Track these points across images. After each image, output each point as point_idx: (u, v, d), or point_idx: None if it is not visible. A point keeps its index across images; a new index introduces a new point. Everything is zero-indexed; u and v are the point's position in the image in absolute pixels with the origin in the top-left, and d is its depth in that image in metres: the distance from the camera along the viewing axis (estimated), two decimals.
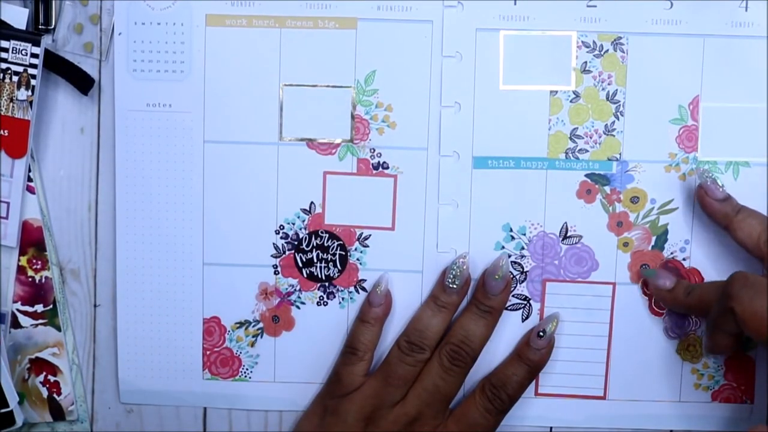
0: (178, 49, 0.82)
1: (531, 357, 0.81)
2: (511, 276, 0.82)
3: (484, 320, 0.81)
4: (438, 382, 0.80)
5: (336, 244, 0.84)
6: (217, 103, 0.82)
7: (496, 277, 0.80)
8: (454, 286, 0.81)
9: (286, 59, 0.82)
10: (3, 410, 0.82)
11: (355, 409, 0.81)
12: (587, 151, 0.82)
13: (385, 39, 0.81)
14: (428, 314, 0.82)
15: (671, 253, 0.83)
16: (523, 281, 0.84)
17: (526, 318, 0.84)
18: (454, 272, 0.81)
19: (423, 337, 0.81)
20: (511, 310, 0.83)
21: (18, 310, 0.85)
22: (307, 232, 0.83)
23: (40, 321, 0.85)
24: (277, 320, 0.85)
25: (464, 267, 0.81)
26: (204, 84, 0.82)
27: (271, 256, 0.84)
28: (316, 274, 0.84)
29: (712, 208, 0.79)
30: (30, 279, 0.84)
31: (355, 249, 0.84)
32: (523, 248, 0.83)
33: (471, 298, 0.82)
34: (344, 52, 0.82)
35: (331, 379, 0.84)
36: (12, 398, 0.83)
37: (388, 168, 0.83)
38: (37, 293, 0.85)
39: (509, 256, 0.83)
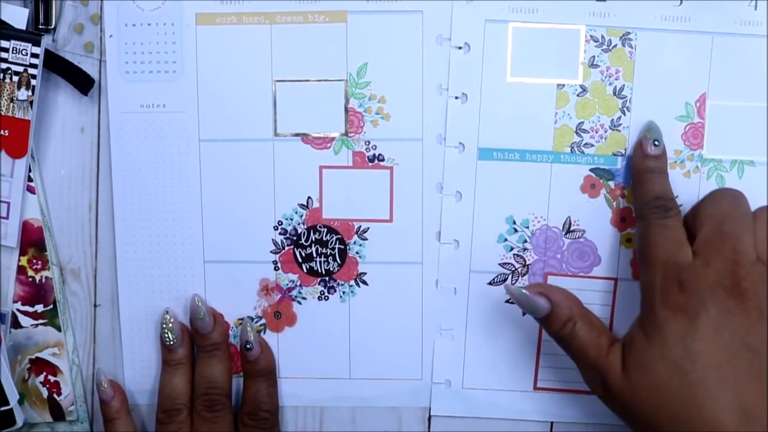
0: (170, 49, 0.84)
1: (256, 368, 0.85)
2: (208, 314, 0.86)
3: (216, 358, 0.85)
4: None
5: (335, 238, 0.86)
6: (210, 102, 0.84)
7: (200, 318, 0.84)
8: (175, 342, 0.85)
9: (277, 55, 0.84)
10: (3, 408, 0.85)
11: None
12: (593, 145, 0.84)
13: (375, 31, 0.83)
14: (168, 377, 0.86)
15: None
16: (525, 275, 0.85)
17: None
18: (166, 330, 0.85)
19: (174, 400, 0.85)
20: (512, 303, 0.85)
21: (18, 310, 0.87)
22: (305, 227, 0.85)
23: (41, 321, 0.87)
24: (278, 316, 0.87)
25: (172, 321, 0.85)
26: (197, 83, 0.84)
27: (271, 252, 0.86)
28: (316, 268, 0.86)
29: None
30: (30, 279, 0.87)
31: (354, 242, 0.86)
32: (525, 241, 0.85)
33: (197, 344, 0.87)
34: (335, 45, 0.83)
35: None
36: (12, 398, 0.85)
37: (383, 160, 0.84)
38: (37, 293, 0.87)
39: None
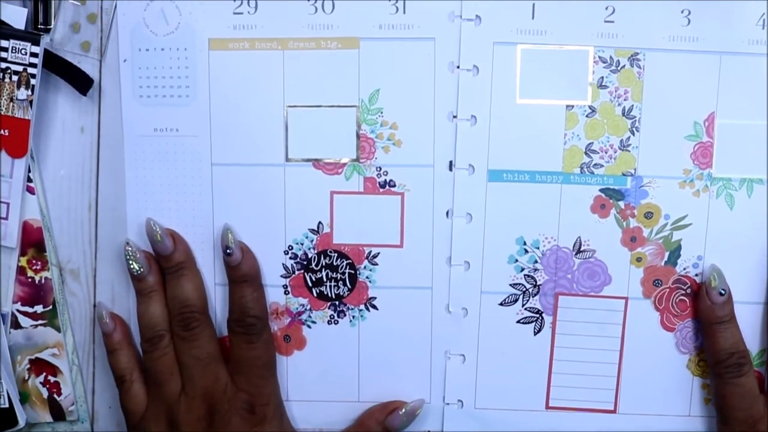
0: (183, 74, 0.84)
1: (239, 273, 0.85)
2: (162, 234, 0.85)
3: (183, 278, 0.85)
4: (190, 353, 0.85)
5: (345, 263, 0.86)
6: (223, 126, 0.85)
7: (158, 241, 0.85)
8: (142, 271, 0.85)
9: (289, 81, 0.84)
10: (3, 406, 0.86)
11: (153, 426, 0.85)
12: (602, 165, 0.84)
13: (387, 57, 0.84)
14: (143, 308, 0.85)
15: (684, 269, 0.86)
16: (535, 294, 0.86)
17: (539, 331, 0.87)
18: (131, 260, 0.85)
19: (154, 327, 0.85)
20: (523, 323, 0.87)
21: (18, 310, 0.88)
22: (315, 252, 0.86)
23: (40, 321, 0.88)
24: (288, 339, 0.88)
25: (135, 251, 0.85)
26: (209, 107, 0.84)
27: (281, 276, 0.87)
28: (326, 293, 0.87)
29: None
30: (30, 279, 0.87)
31: (364, 267, 0.86)
32: (536, 261, 0.86)
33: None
34: (347, 71, 0.84)
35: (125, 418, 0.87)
36: (15, 399, 0.87)
37: (394, 186, 0.85)
38: (36, 294, 0.88)
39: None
